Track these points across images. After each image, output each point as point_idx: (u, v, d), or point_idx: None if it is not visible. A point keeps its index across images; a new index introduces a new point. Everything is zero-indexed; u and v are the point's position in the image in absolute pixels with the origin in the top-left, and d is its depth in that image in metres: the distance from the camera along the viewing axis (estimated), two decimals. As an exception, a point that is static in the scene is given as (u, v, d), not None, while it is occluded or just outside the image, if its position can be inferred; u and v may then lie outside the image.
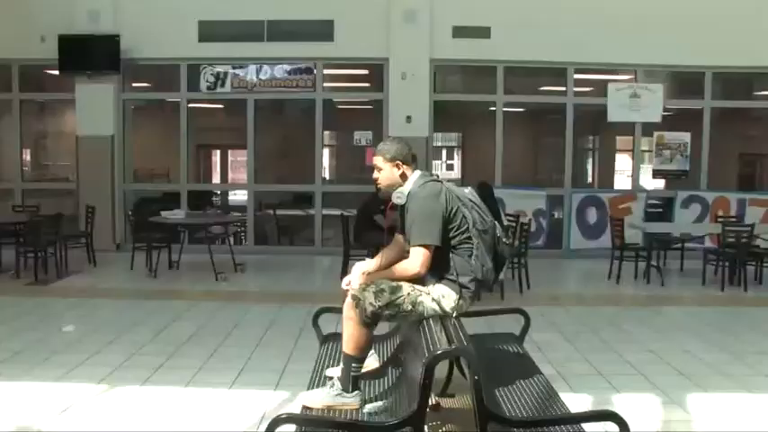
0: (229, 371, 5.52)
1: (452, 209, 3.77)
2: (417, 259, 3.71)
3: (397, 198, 3.92)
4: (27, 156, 13.86)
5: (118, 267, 10.39)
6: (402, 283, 3.72)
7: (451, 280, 3.77)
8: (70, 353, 6.01)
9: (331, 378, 3.76)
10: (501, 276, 4.03)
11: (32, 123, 14.03)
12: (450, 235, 3.77)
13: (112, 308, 7.80)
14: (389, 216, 9.32)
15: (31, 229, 9.40)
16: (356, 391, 3.64)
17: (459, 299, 3.76)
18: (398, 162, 3.93)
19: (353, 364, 3.65)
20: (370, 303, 3.61)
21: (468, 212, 3.78)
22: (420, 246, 3.71)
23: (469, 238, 3.77)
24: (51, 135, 15.67)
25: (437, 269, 3.78)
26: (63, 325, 7.17)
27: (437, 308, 3.74)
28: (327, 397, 3.64)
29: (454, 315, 3.76)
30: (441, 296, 3.75)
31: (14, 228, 9.74)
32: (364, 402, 3.63)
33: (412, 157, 3.99)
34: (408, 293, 3.69)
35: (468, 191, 3.92)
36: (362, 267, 4.08)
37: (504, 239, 3.92)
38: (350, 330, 3.67)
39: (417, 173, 3.96)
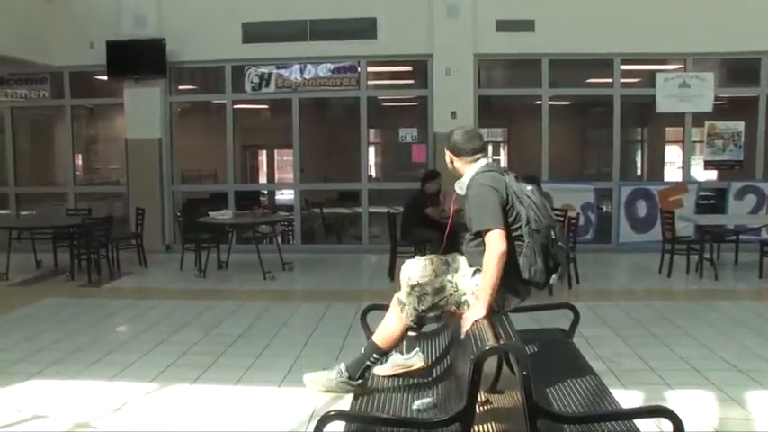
0: (278, 369, 5.55)
1: (509, 204, 3.74)
2: (491, 243, 3.63)
3: (458, 188, 3.97)
4: (79, 160, 14.17)
5: (168, 268, 10.55)
6: (445, 285, 3.72)
7: None
8: (123, 352, 6.13)
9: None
10: (553, 280, 3.86)
11: (83, 128, 14.35)
12: None
13: (163, 308, 7.91)
14: (433, 211, 9.31)
15: (84, 231, 9.60)
16: (360, 380, 3.72)
17: (504, 296, 3.72)
18: (448, 151, 4.01)
19: (375, 355, 3.68)
20: (414, 308, 3.63)
21: (523, 210, 3.74)
22: (485, 232, 3.67)
23: (521, 236, 3.73)
24: (101, 139, 16.02)
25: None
26: (116, 325, 7.33)
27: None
28: (330, 382, 3.78)
29: (500, 312, 3.72)
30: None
31: (68, 231, 9.95)
32: (413, 399, 3.63)
33: (474, 149, 3.98)
34: (451, 294, 3.69)
35: (529, 189, 3.84)
36: (410, 265, 4.08)
37: (560, 243, 3.82)
38: (389, 323, 3.71)
39: (481, 163, 3.96)
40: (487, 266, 3.63)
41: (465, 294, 3.71)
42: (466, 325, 3.56)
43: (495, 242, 3.63)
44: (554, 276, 3.83)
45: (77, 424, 4.49)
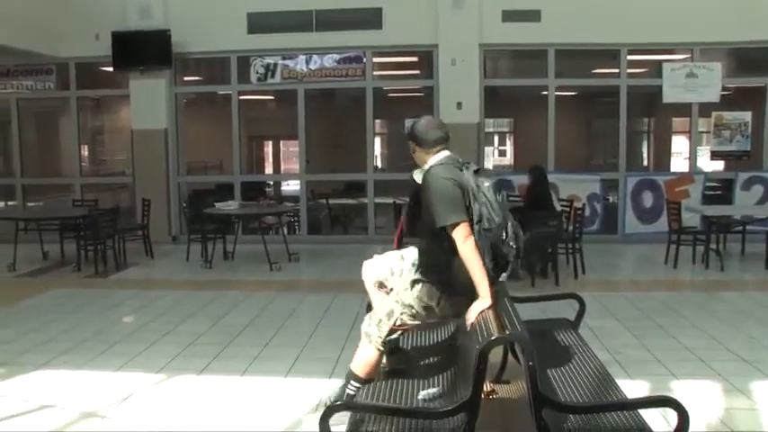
0: (285, 360, 5.56)
1: (466, 200, 3.69)
2: (460, 235, 3.57)
3: (417, 177, 3.95)
4: (85, 151, 14.19)
5: (174, 259, 10.58)
6: (392, 307, 3.75)
7: (426, 280, 3.75)
8: (130, 343, 6.16)
9: None
10: (502, 278, 3.76)
11: (89, 120, 14.37)
12: None
13: (169, 299, 7.93)
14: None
15: (90, 223, 9.62)
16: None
17: (441, 298, 3.72)
18: (410, 140, 3.99)
19: (355, 385, 3.69)
20: (378, 337, 3.70)
21: (477, 207, 3.67)
22: (450, 226, 3.60)
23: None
24: (107, 130, 16.05)
25: (434, 263, 3.73)
26: (123, 316, 7.38)
27: (426, 317, 3.76)
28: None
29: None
30: (426, 301, 3.74)
31: (75, 222, 9.98)
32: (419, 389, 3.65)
33: (435, 140, 3.92)
34: (401, 312, 3.72)
35: (487, 185, 3.72)
36: (369, 266, 4.17)
37: (511, 243, 3.69)
38: (364, 353, 3.81)
39: (442, 154, 3.90)
40: (468, 259, 3.57)
41: (412, 308, 3.73)
42: (471, 316, 3.55)
43: (464, 234, 3.58)
44: (503, 275, 3.74)
45: (85, 414, 4.51)
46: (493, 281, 3.67)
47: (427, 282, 3.73)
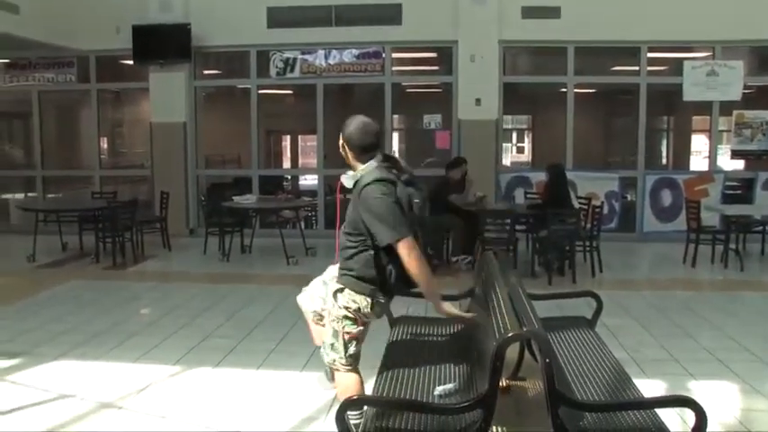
0: (301, 354, 5.55)
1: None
2: (405, 250, 3.51)
3: (346, 181, 3.82)
4: (104, 144, 14.28)
5: (191, 252, 10.62)
6: (333, 327, 3.72)
7: (344, 286, 3.70)
8: (147, 335, 6.20)
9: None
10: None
11: (109, 112, 14.45)
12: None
13: (186, 291, 7.97)
14: (457, 197, 9.34)
15: (109, 215, 9.68)
16: None
17: (363, 299, 3.67)
18: (344, 144, 3.84)
19: (352, 413, 3.61)
20: (340, 358, 3.70)
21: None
22: (397, 242, 3.51)
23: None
24: (127, 123, 16.14)
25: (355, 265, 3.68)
26: (140, 308, 7.43)
27: (364, 318, 3.72)
28: None
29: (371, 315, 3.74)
30: (352, 305, 3.67)
31: (94, 214, 10.04)
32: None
33: (366, 147, 3.78)
34: (342, 326, 3.69)
35: (416, 201, 3.72)
36: (302, 299, 4.20)
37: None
38: (341, 382, 3.76)
39: (374, 163, 3.74)
40: (418, 273, 3.53)
41: (346, 317, 3.68)
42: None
43: (410, 247, 3.51)
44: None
45: (103, 404, 4.55)
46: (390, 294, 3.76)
47: (345, 287, 3.68)
